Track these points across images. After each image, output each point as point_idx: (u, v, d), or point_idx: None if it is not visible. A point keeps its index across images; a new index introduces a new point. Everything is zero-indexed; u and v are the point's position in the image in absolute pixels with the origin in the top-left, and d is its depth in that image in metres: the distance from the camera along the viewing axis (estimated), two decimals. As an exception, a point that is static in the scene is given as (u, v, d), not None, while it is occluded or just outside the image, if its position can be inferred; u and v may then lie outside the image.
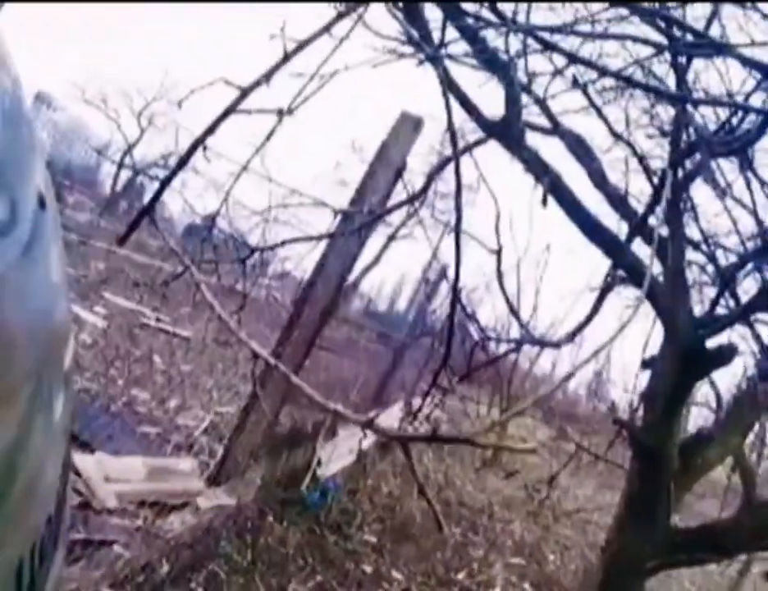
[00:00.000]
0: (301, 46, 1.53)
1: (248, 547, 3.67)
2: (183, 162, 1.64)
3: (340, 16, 1.59)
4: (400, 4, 2.34)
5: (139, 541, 2.95)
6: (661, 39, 2.37)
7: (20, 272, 0.45)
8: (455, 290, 1.64)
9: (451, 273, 2.01)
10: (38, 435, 0.49)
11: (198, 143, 1.58)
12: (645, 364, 3.54)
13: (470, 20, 2.33)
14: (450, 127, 1.47)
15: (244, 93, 1.53)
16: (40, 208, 0.49)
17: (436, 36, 2.35)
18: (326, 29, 1.56)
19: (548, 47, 2.15)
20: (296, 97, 1.62)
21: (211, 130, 1.56)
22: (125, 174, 26.79)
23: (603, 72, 2.34)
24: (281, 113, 1.61)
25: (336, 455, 5.39)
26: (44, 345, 0.50)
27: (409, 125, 4.47)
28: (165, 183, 1.68)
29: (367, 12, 1.91)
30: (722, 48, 2.01)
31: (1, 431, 0.43)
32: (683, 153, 2.79)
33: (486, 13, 2.45)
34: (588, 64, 2.20)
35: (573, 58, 2.17)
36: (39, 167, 0.52)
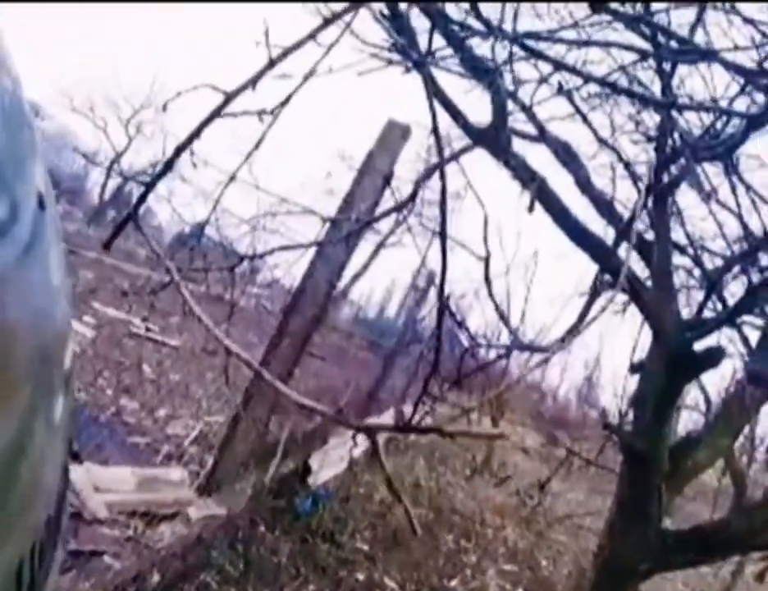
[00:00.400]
0: (287, 52, 1.54)
1: (239, 556, 3.65)
2: (168, 166, 1.64)
3: (327, 23, 1.61)
4: (387, 13, 2.36)
5: (129, 551, 2.93)
6: (646, 47, 2.40)
7: (20, 271, 0.45)
8: (441, 297, 1.65)
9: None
10: (39, 435, 0.49)
11: (183, 147, 1.58)
12: (634, 368, 3.57)
13: (456, 28, 2.35)
14: (436, 133, 1.48)
15: (229, 98, 1.53)
16: (40, 209, 0.49)
17: (423, 47, 2.37)
18: (312, 36, 1.57)
19: (534, 54, 2.17)
20: (283, 103, 1.63)
21: (196, 134, 1.56)
22: (113, 183, 26.74)
23: (588, 79, 2.37)
24: (261, 113, 1.61)
25: (327, 464, 5.37)
26: (44, 346, 0.50)
27: (396, 133, 4.49)
28: (149, 187, 1.69)
29: (354, 20, 1.93)
30: (706, 54, 2.04)
31: (1, 431, 0.43)
32: (668, 158, 2.82)
33: (472, 21, 2.48)
34: (573, 71, 2.23)
35: (558, 65, 2.20)
36: (39, 167, 0.52)
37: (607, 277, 3.70)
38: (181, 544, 3.25)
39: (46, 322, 0.50)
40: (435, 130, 1.43)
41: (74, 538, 2.78)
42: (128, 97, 27.49)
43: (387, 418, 8.30)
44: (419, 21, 2.44)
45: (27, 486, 0.48)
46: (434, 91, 2.60)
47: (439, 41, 2.44)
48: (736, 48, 2.00)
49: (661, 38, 2.26)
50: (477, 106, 2.86)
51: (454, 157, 3.12)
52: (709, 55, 2.01)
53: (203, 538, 3.47)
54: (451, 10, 2.51)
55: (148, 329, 8.64)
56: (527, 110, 3.02)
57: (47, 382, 0.50)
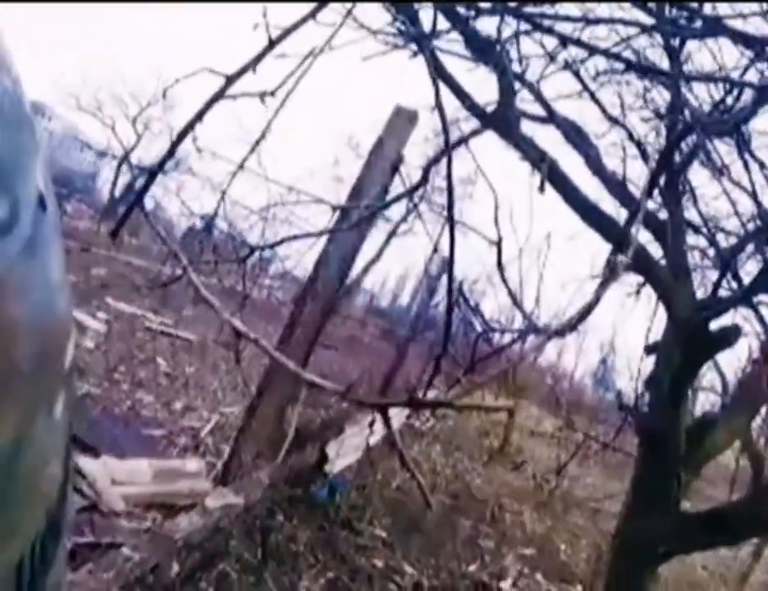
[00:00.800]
0: (286, 33, 1.53)
1: (258, 545, 3.67)
2: (171, 150, 1.64)
3: (325, 1, 1.58)
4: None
5: (147, 542, 2.96)
6: (653, 22, 2.35)
7: (21, 270, 0.44)
8: (450, 279, 1.65)
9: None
10: (39, 433, 0.49)
11: (186, 132, 1.57)
12: (649, 350, 3.53)
13: (460, 9, 2.32)
14: (440, 112, 1.46)
15: (230, 80, 1.52)
16: (40, 208, 0.49)
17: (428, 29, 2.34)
18: (312, 15, 1.55)
19: (539, 28, 2.14)
20: (283, 81, 1.62)
21: (198, 118, 1.56)
22: (123, 180, 26.77)
23: (595, 51, 2.33)
24: (263, 95, 1.60)
25: (344, 452, 5.39)
26: (45, 344, 0.49)
27: (404, 119, 4.46)
28: (154, 173, 1.69)
29: (357, 5, 1.90)
30: (712, 25, 1.99)
31: (1, 429, 0.42)
32: (679, 135, 2.77)
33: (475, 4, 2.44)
34: (579, 43, 2.19)
35: (564, 39, 2.16)
36: (40, 167, 0.51)
37: (621, 257, 3.65)
38: (199, 534, 3.27)
39: (47, 321, 0.49)
40: (439, 109, 1.42)
41: (92, 530, 2.81)
42: (134, 94, 27.43)
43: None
44: (424, 4, 2.41)
45: (28, 484, 0.47)
46: (440, 74, 2.57)
47: (443, 24, 2.42)
48: (740, 15, 1.95)
49: (668, 14, 2.22)
50: (484, 88, 2.83)
51: (463, 140, 3.09)
52: (716, 27, 1.97)
53: (221, 528, 3.49)
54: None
55: (162, 323, 8.69)
56: (534, 89, 2.98)
57: (48, 379, 0.50)
